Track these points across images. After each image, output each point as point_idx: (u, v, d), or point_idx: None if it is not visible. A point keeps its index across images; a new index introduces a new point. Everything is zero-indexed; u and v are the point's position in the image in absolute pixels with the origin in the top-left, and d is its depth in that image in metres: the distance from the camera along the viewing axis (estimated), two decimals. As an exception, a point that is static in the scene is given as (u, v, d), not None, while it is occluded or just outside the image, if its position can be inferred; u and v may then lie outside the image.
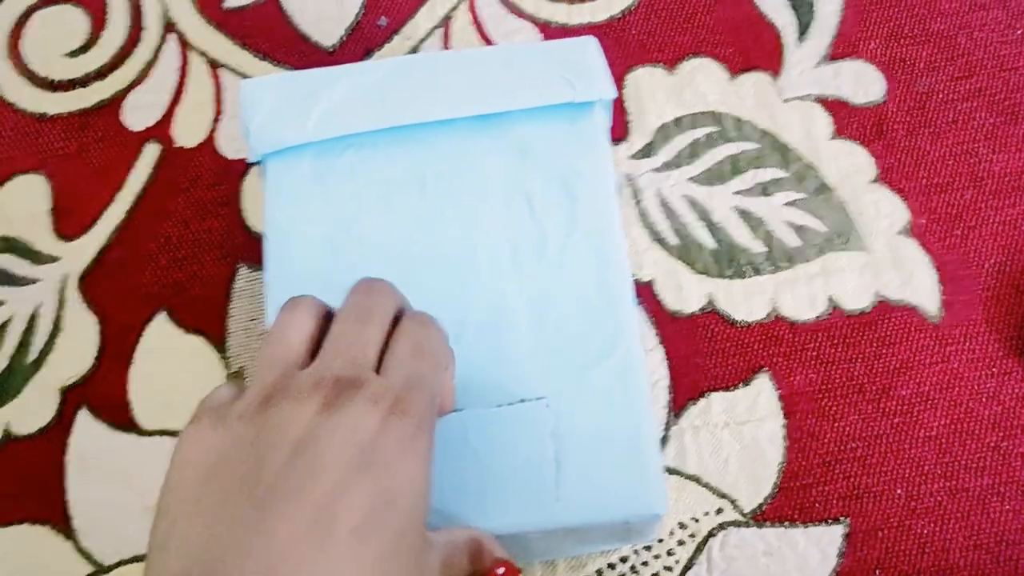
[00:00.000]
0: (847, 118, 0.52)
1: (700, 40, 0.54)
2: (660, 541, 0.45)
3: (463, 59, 0.45)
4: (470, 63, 0.44)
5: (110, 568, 0.46)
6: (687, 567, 0.44)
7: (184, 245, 0.51)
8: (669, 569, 0.45)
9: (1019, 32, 0.53)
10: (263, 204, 0.43)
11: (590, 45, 0.44)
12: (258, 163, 0.43)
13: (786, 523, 0.45)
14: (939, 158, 0.51)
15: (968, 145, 0.51)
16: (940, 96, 0.52)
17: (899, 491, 0.45)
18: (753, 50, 0.53)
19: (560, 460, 0.37)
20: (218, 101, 0.54)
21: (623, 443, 0.37)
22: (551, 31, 0.55)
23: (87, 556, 0.46)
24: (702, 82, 0.53)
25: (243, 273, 0.50)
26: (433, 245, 0.41)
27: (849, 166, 0.51)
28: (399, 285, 0.36)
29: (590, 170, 0.42)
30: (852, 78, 0.52)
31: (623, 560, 0.45)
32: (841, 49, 0.53)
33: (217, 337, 0.49)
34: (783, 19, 0.54)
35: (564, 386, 0.38)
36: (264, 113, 0.43)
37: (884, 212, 0.50)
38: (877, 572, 0.44)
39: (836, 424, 0.46)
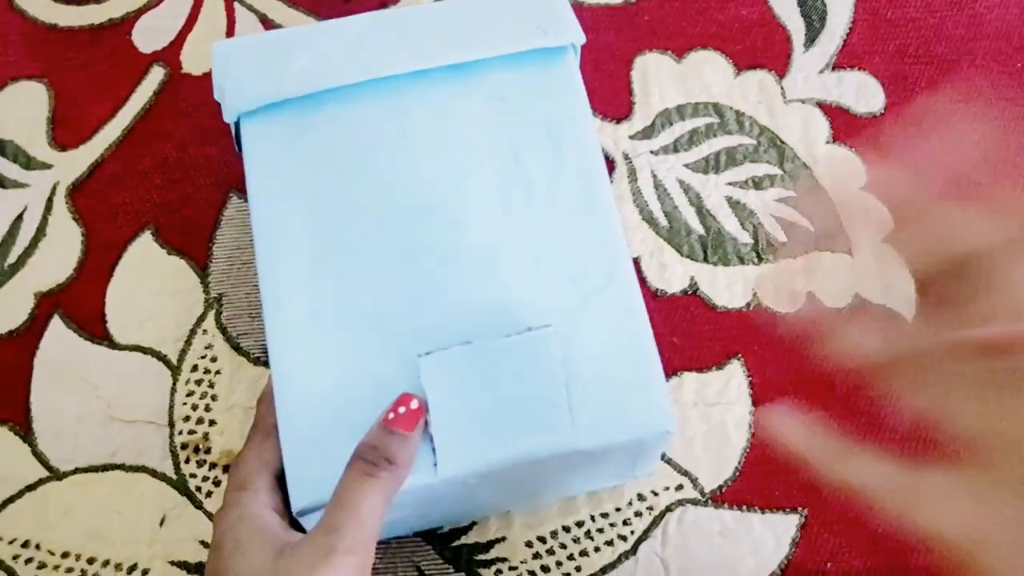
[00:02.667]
0: (845, 125, 0.53)
1: (710, 33, 0.55)
2: (618, 510, 0.45)
3: (436, 12, 0.45)
4: (443, 15, 0.45)
5: (64, 475, 0.45)
6: (642, 538, 0.45)
7: (180, 167, 0.51)
8: (624, 538, 0.45)
9: (1019, 65, 0.54)
10: (244, 166, 0.42)
11: None
12: (236, 124, 0.43)
13: (744, 507, 0.45)
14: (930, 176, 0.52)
15: (959, 167, 0.52)
16: (937, 116, 0.53)
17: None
18: (762, 49, 0.54)
19: (571, 386, 0.37)
20: (230, 34, 0.55)
21: (630, 365, 0.38)
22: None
23: (43, 460, 0.46)
24: (708, 74, 0.54)
25: (234, 202, 0.50)
26: (419, 195, 0.41)
27: (842, 171, 0.52)
28: (388, 238, 0.38)
29: (569, 112, 0.43)
30: (854, 88, 0.54)
31: (579, 524, 0.45)
32: (846, 59, 0.54)
33: (200, 261, 0.49)
34: (795, 24, 0.55)
35: (567, 317, 0.39)
36: (238, 73, 0.43)
37: (872, 220, 0.51)
38: (828, 564, 0.45)
39: (803, 416, 0.47)
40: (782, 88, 0.54)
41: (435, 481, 0.36)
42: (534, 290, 0.39)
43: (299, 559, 0.33)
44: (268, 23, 0.55)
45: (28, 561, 0.44)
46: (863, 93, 0.53)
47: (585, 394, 0.37)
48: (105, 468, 0.46)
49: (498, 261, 0.40)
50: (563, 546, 0.45)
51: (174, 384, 0.47)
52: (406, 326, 0.39)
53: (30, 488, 0.45)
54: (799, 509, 0.45)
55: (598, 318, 0.39)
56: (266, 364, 0.47)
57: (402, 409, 0.36)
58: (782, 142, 0.52)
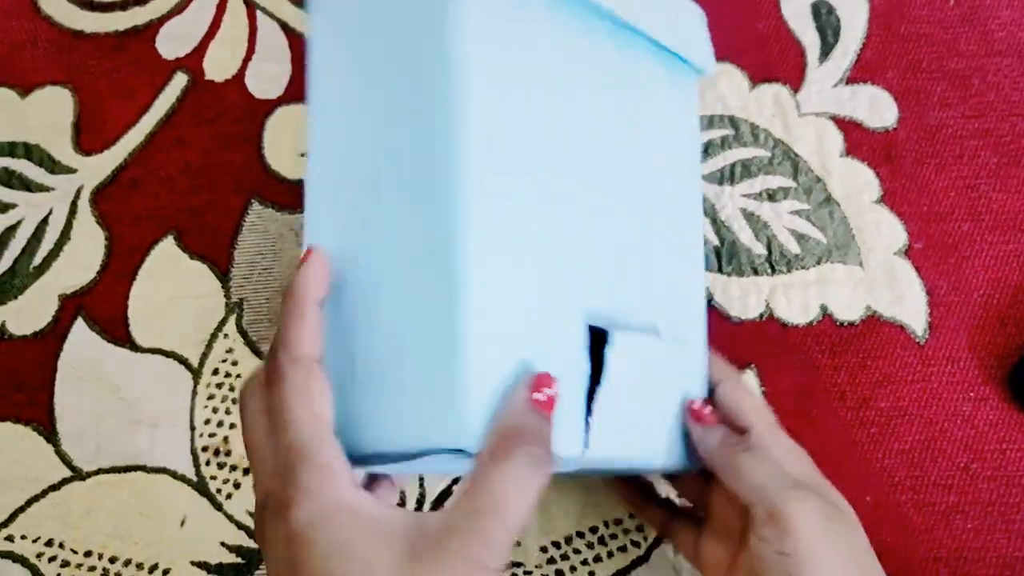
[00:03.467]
0: (858, 139, 0.53)
1: (726, 47, 0.55)
2: (631, 516, 0.46)
3: None
4: None
5: (87, 475, 0.46)
6: (654, 544, 0.45)
7: (202, 173, 0.52)
8: (637, 544, 0.45)
9: (1030, 81, 0.55)
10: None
11: (702, 18, 0.46)
12: None
13: (756, 515, 0.46)
14: (942, 189, 0.53)
15: (971, 180, 0.53)
16: (949, 131, 0.54)
17: (868, 498, 0.47)
18: (777, 63, 0.55)
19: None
20: (252, 41, 0.55)
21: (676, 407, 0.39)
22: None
23: (66, 461, 0.46)
24: (723, 86, 0.54)
25: (256, 208, 0.51)
26: (590, 148, 0.37)
27: (855, 184, 0.52)
28: (576, 178, 0.35)
29: (689, 135, 0.44)
30: (867, 102, 0.54)
31: (592, 530, 0.46)
32: (860, 74, 0.55)
33: (222, 266, 0.50)
34: (809, 38, 0.56)
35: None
36: None
37: (884, 232, 0.51)
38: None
39: (815, 426, 0.48)
40: (796, 101, 0.54)
41: (579, 456, 0.33)
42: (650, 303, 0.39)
43: (443, 567, 0.27)
44: (289, 31, 0.55)
45: (52, 559, 0.45)
46: (876, 107, 0.54)
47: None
48: (127, 469, 0.46)
49: (636, 254, 0.39)
50: (577, 551, 0.45)
51: (195, 387, 0.48)
52: (578, 283, 0.35)
53: (54, 488, 0.46)
54: (810, 518, 0.46)
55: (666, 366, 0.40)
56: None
57: (547, 391, 0.31)
58: (796, 155, 0.53)
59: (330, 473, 0.28)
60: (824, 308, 0.50)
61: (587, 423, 0.33)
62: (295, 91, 0.54)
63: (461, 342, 0.29)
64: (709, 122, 0.54)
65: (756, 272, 0.50)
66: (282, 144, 0.52)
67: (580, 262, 0.35)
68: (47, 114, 0.53)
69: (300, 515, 0.27)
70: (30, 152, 0.53)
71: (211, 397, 0.48)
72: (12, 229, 0.51)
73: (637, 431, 0.37)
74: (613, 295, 0.36)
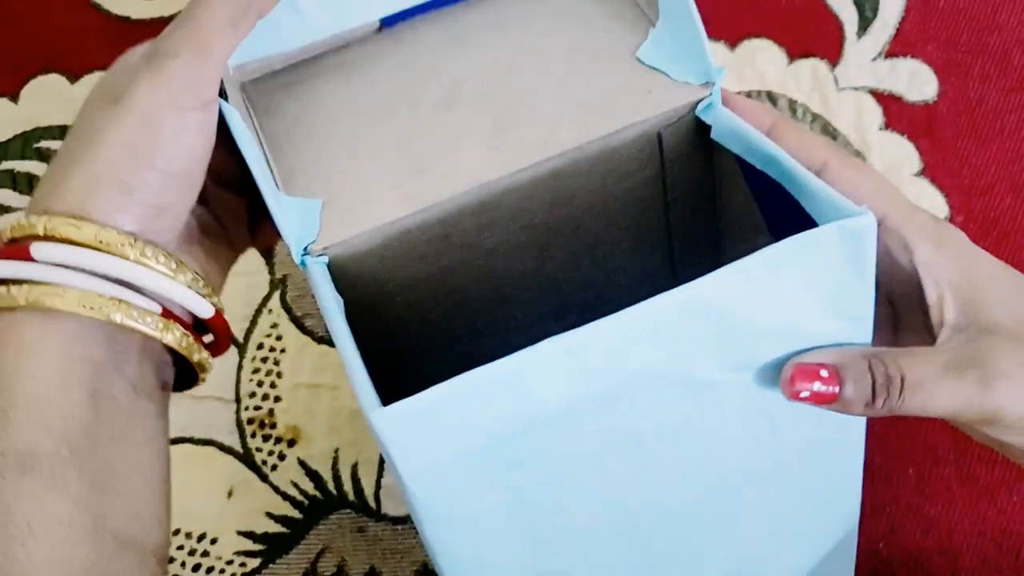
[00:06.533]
0: (898, 113, 0.53)
1: (763, 23, 0.56)
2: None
3: None
4: None
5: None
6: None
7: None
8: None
9: (1073, 54, 0.54)
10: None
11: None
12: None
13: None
14: (983, 163, 0.52)
15: (1012, 154, 0.52)
16: (990, 105, 0.53)
17: (911, 471, 0.46)
18: (814, 38, 0.55)
19: None
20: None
21: None
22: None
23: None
24: (761, 62, 0.55)
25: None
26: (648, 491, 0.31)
27: (895, 158, 0.52)
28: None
29: None
30: (907, 76, 0.54)
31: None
32: (899, 48, 0.55)
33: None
34: (847, 13, 0.56)
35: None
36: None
37: (924, 205, 0.51)
38: (881, 545, 0.45)
39: (856, 398, 0.47)
40: (835, 76, 0.54)
41: None
42: (758, 558, 0.35)
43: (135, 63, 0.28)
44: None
45: (103, 528, 0.46)
46: (916, 80, 0.54)
47: None
48: (175, 441, 0.47)
49: (727, 538, 0.34)
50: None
51: (240, 361, 0.49)
52: None
53: (104, 459, 0.47)
54: (852, 490, 0.46)
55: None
56: (330, 343, 0.49)
57: None
58: (835, 129, 0.53)
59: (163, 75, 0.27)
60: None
61: None
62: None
63: None
64: (747, 98, 0.54)
65: (795, 246, 0.50)
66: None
67: None
68: (96, 98, 0.55)
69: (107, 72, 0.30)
70: (79, 135, 0.54)
71: (256, 371, 0.49)
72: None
73: None
74: None
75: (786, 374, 0.27)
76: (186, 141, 0.27)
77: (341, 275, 0.30)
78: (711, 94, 0.32)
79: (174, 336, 0.28)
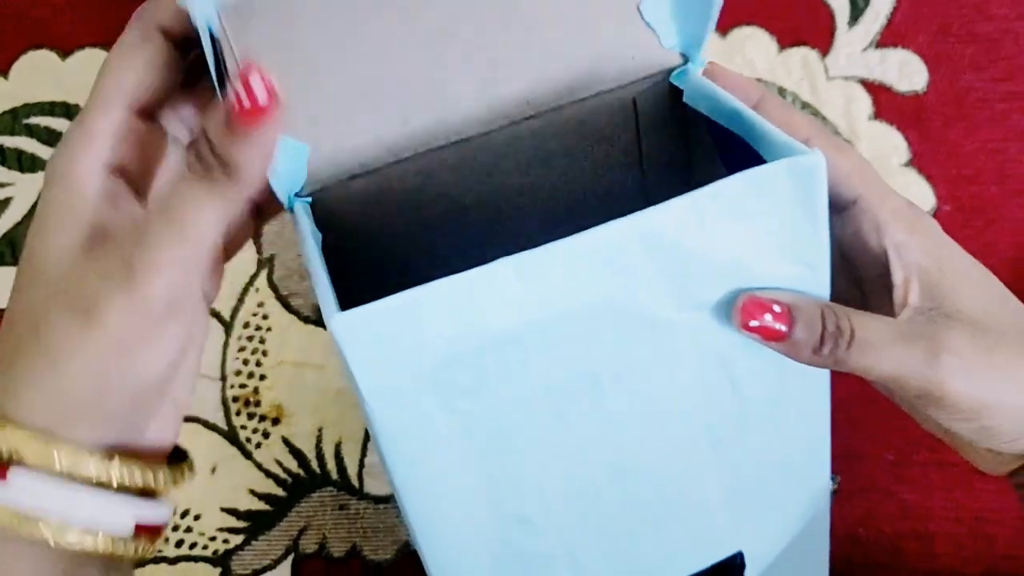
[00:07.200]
0: (887, 103, 0.53)
1: (754, 11, 0.56)
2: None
3: None
4: None
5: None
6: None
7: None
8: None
9: (1063, 45, 0.54)
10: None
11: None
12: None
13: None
14: (970, 152, 0.52)
15: (1000, 144, 0.52)
16: (979, 94, 0.54)
17: (889, 457, 0.47)
18: (805, 27, 0.55)
19: None
20: None
21: None
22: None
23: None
24: (751, 50, 0.55)
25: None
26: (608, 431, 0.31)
27: (883, 148, 0.52)
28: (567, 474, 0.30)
29: None
30: (897, 66, 0.54)
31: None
32: (890, 38, 0.55)
33: (254, 223, 0.51)
34: (839, 3, 0.55)
35: (755, 543, 0.36)
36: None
37: (912, 195, 0.51)
38: (860, 529, 0.46)
39: (834, 383, 0.48)
40: (825, 65, 0.54)
41: None
42: (723, 519, 0.34)
43: (104, 263, 0.25)
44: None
45: (88, 503, 0.46)
46: (906, 71, 0.54)
47: None
48: (161, 418, 0.48)
49: (691, 499, 0.33)
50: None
51: (226, 340, 0.49)
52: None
53: (90, 434, 0.48)
54: (832, 476, 0.46)
55: (783, 549, 0.36)
56: (316, 323, 0.49)
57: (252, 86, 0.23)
58: (824, 118, 0.53)
59: (88, 140, 0.27)
60: (848, 269, 0.50)
61: None
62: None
63: None
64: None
65: (780, 233, 0.50)
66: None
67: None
68: (86, 75, 0.54)
69: (49, 164, 0.27)
70: (69, 111, 0.54)
71: (242, 349, 0.49)
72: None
73: None
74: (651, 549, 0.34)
75: (739, 303, 0.28)
76: (165, 347, 0.26)
77: (324, 219, 0.31)
78: (687, 63, 0.32)
79: (144, 548, 0.28)
